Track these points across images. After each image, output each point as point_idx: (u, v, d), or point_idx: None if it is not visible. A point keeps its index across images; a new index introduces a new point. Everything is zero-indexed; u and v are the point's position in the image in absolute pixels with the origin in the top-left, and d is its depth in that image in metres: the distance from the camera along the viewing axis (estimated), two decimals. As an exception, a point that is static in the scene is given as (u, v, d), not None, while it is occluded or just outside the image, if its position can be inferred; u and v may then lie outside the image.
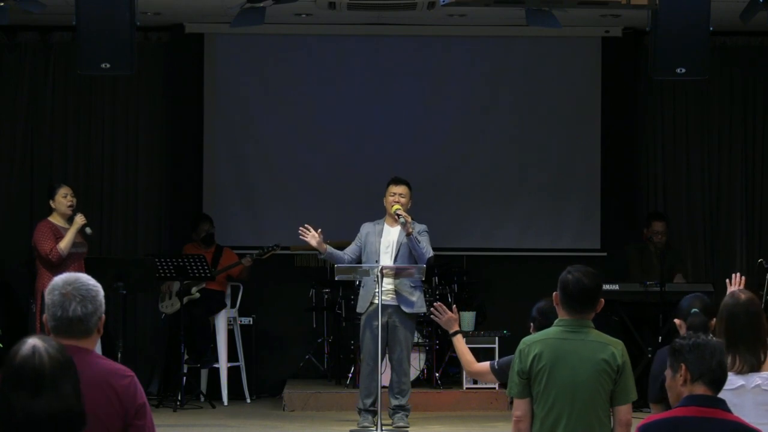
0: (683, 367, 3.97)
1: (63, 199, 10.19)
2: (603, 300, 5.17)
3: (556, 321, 5.19)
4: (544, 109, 12.27)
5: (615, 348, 5.09)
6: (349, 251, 9.81)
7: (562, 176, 12.28)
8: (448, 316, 6.25)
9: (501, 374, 6.20)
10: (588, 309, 5.11)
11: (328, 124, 12.24)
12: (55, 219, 10.17)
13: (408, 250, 9.67)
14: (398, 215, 9.57)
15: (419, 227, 9.75)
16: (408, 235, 9.55)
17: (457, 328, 6.24)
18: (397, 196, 9.71)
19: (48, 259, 9.95)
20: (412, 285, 9.74)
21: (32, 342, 3.28)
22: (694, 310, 5.51)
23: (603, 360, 5.03)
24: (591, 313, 5.13)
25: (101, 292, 4.00)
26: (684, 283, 11.36)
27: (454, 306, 6.36)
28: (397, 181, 9.80)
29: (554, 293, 5.19)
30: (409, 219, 9.59)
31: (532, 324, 5.92)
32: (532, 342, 5.13)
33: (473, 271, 12.01)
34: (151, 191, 12.28)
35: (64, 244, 9.96)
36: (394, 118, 12.24)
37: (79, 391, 3.29)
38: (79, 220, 10.10)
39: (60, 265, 9.89)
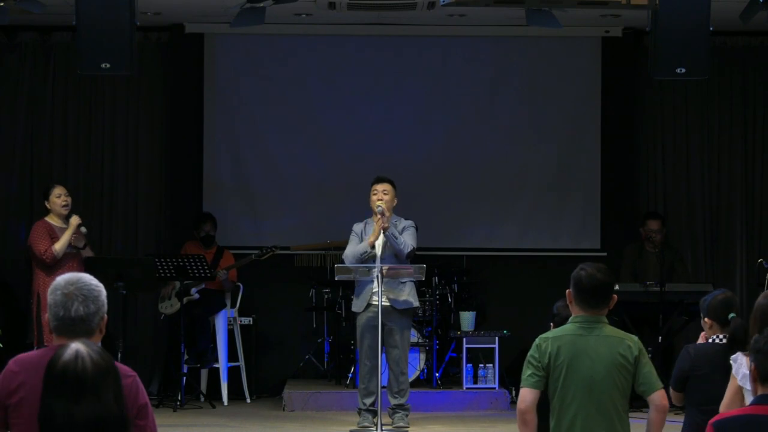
0: (754, 366, 4.05)
1: (57, 199, 10.23)
2: (616, 296, 5.21)
3: (571, 318, 5.22)
4: (544, 109, 12.26)
5: (630, 341, 5.15)
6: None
7: (562, 176, 12.27)
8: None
9: None
10: (602, 304, 5.17)
11: (328, 124, 12.24)
12: (52, 219, 10.24)
13: None
14: (378, 206, 9.58)
15: (405, 222, 9.77)
16: (384, 230, 9.54)
17: None
18: (380, 194, 9.73)
19: (42, 260, 9.96)
20: (401, 281, 9.74)
21: (75, 347, 3.30)
22: (732, 315, 5.63)
23: (619, 354, 5.09)
24: (605, 309, 5.18)
25: (103, 292, 4.00)
26: (684, 283, 11.35)
27: None
28: (380, 179, 9.84)
29: (567, 291, 5.22)
30: (387, 213, 9.59)
31: (552, 323, 5.95)
32: (549, 338, 5.15)
33: (473, 271, 12.00)
34: (151, 191, 12.28)
35: (59, 246, 9.98)
36: (394, 118, 12.24)
37: (122, 397, 3.31)
38: (74, 221, 10.14)
39: (54, 265, 9.90)
